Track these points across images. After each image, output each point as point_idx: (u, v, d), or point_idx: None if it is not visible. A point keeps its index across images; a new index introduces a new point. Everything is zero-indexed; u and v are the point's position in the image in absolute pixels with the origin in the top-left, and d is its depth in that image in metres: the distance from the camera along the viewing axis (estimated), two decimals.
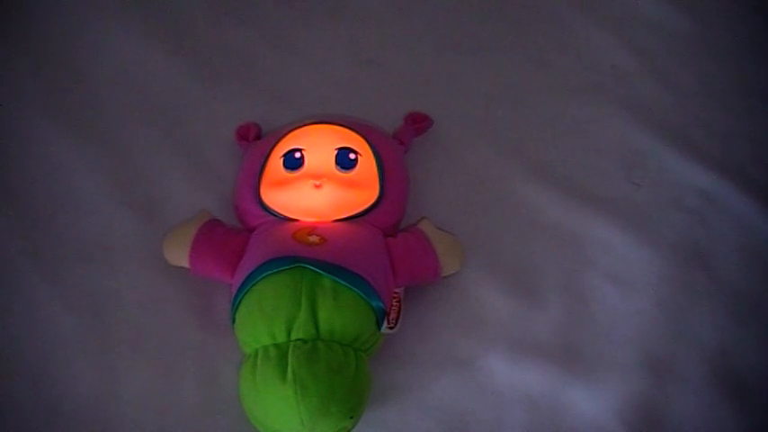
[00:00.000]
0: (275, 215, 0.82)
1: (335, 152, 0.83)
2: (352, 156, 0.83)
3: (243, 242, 0.81)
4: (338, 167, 0.82)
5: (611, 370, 0.81)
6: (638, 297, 0.85)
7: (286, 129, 0.86)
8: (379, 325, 0.77)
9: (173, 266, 0.82)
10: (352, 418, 0.73)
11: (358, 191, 0.82)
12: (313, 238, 0.78)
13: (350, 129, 0.85)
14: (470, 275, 0.85)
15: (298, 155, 0.83)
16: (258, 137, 0.89)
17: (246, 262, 0.78)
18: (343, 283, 0.75)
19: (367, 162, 0.84)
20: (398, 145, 0.88)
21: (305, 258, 0.76)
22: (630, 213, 0.90)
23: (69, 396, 0.77)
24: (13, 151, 0.91)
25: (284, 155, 0.83)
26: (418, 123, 0.91)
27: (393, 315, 0.78)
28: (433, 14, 1.05)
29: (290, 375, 0.70)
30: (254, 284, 0.76)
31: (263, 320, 0.74)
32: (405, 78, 0.99)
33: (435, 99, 0.96)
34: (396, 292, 0.80)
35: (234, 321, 0.77)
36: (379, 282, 0.77)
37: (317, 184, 0.81)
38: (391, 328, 0.78)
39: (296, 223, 0.81)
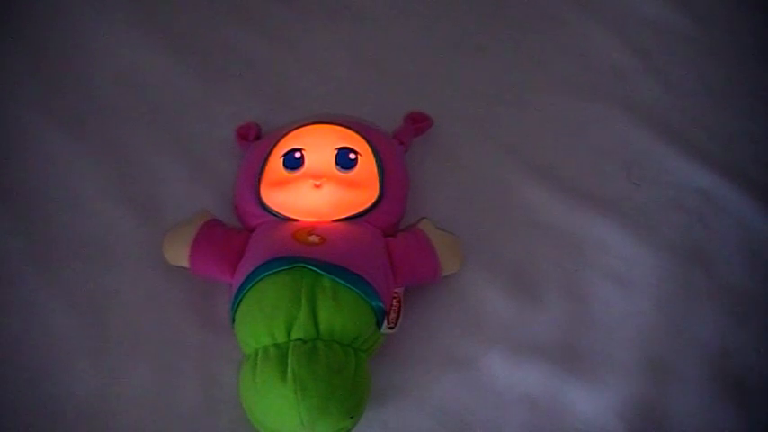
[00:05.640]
0: (275, 215, 0.82)
1: (335, 152, 0.83)
2: (352, 156, 0.83)
3: (243, 242, 0.81)
4: (338, 167, 0.82)
5: (611, 370, 0.81)
6: (638, 297, 0.85)
7: (286, 129, 0.86)
8: (379, 325, 0.77)
9: (173, 266, 0.82)
10: (352, 417, 0.73)
11: (358, 191, 0.82)
12: (313, 238, 0.78)
13: (350, 129, 0.85)
14: (470, 275, 0.85)
15: (298, 155, 0.83)
16: (258, 137, 0.89)
17: (246, 262, 0.78)
18: (343, 283, 0.75)
19: (367, 162, 0.84)
20: (398, 145, 0.88)
21: (305, 258, 0.76)
22: (630, 213, 0.90)
23: (69, 396, 0.77)
24: (12, 151, 0.91)
25: (284, 155, 0.83)
26: (418, 123, 0.91)
27: (393, 315, 0.78)
28: (433, 14, 1.05)
29: (290, 375, 0.70)
30: (254, 284, 0.76)
31: (263, 320, 0.74)
32: (405, 78, 0.99)
33: (435, 99, 0.96)
34: (396, 292, 0.79)
35: (234, 321, 0.77)
36: (379, 282, 0.77)
37: (317, 184, 0.81)
38: (391, 328, 0.78)
39: (296, 223, 0.81)
